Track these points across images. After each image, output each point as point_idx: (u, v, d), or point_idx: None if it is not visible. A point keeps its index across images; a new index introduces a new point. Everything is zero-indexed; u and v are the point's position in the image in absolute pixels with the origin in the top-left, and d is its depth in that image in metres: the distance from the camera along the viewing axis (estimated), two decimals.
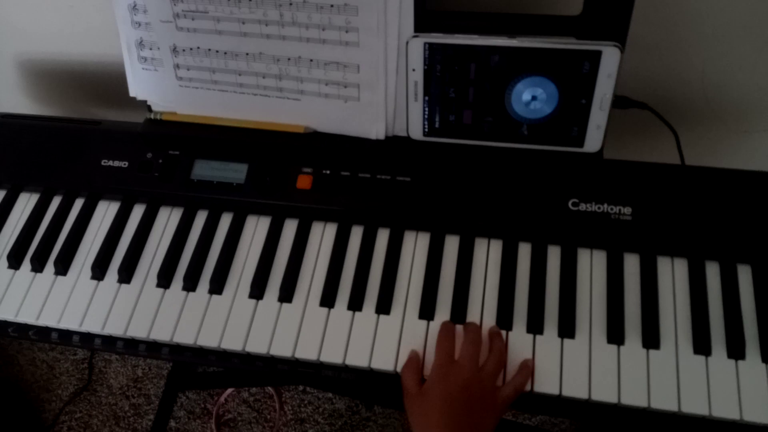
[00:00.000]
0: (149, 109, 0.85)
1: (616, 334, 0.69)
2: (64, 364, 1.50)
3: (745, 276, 0.72)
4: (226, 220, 0.81)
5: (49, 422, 1.43)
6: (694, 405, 0.65)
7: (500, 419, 0.66)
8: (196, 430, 1.38)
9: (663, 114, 0.81)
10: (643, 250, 0.73)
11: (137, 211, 0.83)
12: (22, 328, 0.78)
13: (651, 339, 0.68)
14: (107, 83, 1.07)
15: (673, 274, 0.72)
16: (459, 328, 0.71)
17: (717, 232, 0.72)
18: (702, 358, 0.67)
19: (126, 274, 0.78)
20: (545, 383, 0.67)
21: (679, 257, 0.73)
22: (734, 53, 0.85)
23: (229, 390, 1.41)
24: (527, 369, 0.67)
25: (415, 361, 0.69)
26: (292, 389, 1.41)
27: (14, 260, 0.81)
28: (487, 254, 0.75)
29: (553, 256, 0.74)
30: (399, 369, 0.69)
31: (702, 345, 0.68)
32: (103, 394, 1.46)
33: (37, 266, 0.80)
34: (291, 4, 0.71)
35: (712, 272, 0.72)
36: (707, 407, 0.65)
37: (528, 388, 0.67)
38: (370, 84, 0.75)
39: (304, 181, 0.79)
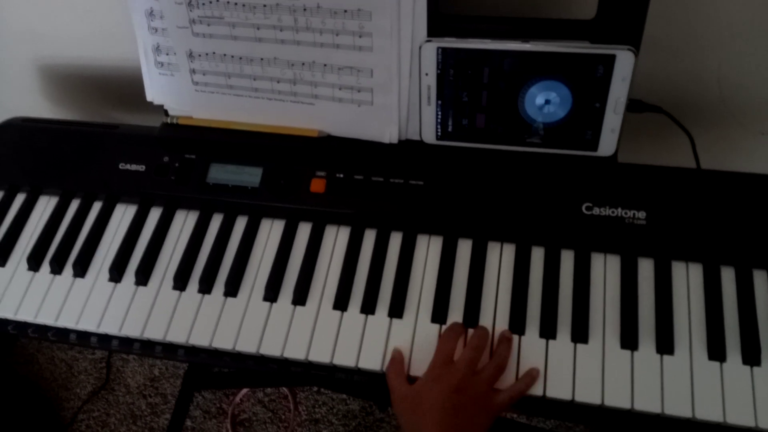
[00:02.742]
0: (166, 113, 0.86)
1: (629, 340, 0.68)
2: (82, 363, 1.52)
3: (761, 282, 0.71)
4: (240, 224, 0.82)
5: (68, 420, 1.45)
6: (709, 411, 0.64)
7: (494, 421, 0.65)
8: (211, 430, 1.40)
9: (678, 117, 0.80)
10: (657, 255, 0.73)
11: (154, 214, 0.84)
12: (42, 329, 0.80)
13: (665, 344, 0.68)
14: (124, 87, 1.08)
15: (687, 279, 0.71)
16: (470, 332, 0.71)
17: (732, 237, 0.72)
18: (716, 364, 0.67)
19: (143, 277, 0.79)
20: (558, 388, 0.67)
21: (694, 262, 0.72)
22: (751, 54, 0.85)
23: (245, 390, 1.42)
24: (530, 378, 0.67)
25: (399, 360, 0.69)
26: (307, 390, 1.41)
27: (34, 262, 0.82)
28: (500, 258, 0.75)
29: (567, 260, 0.74)
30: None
31: (717, 351, 0.67)
32: (120, 393, 1.47)
33: (56, 268, 0.81)
34: (305, 9, 0.71)
35: (728, 278, 0.71)
36: (722, 414, 0.64)
37: (539, 392, 0.67)
38: (383, 88, 0.75)
39: (317, 185, 0.80)
